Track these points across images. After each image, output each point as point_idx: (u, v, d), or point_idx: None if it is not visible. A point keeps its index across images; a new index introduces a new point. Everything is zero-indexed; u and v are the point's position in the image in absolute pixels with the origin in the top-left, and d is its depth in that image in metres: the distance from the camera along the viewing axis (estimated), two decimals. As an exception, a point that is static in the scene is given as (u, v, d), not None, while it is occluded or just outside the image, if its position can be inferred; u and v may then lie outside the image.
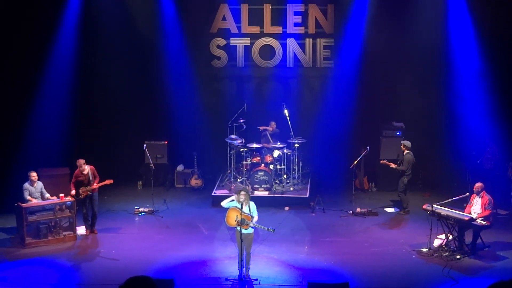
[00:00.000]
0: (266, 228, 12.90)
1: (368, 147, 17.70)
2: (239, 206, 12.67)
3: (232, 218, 12.84)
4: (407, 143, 17.31)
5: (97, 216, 15.97)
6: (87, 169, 15.64)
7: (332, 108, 19.61)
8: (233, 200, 12.95)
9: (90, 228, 15.87)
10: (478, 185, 14.60)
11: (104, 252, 14.76)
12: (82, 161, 15.60)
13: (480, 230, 14.33)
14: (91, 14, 18.87)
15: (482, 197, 14.44)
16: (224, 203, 13.09)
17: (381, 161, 17.86)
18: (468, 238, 14.49)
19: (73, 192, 15.51)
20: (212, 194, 18.19)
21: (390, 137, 19.02)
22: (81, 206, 15.71)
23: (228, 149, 18.70)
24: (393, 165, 17.32)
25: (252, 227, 12.83)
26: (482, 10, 18.02)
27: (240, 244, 12.75)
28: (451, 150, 18.71)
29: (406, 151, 17.18)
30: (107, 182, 15.84)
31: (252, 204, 12.96)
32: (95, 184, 15.66)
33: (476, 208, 14.50)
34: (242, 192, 12.78)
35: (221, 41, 19.89)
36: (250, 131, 18.98)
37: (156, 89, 19.88)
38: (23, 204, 14.96)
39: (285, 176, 18.56)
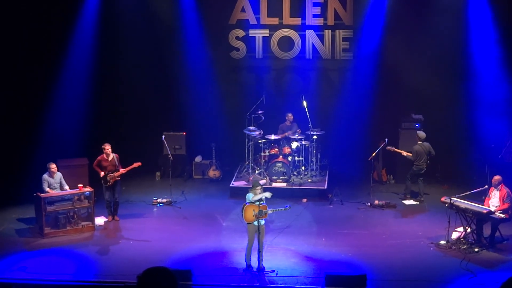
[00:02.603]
0: (282, 209, 13.25)
1: (386, 139, 17.55)
2: (257, 198, 12.83)
3: (250, 214, 12.92)
4: (421, 134, 17.33)
5: (119, 203, 16.15)
6: (112, 155, 15.75)
7: (350, 100, 19.50)
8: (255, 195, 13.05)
9: (112, 215, 16.01)
10: (496, 178, 14.50)
11: (122, 242, 14.88)
12: (108, 145, 15.73)
13: (498, 223, 14.25)
14: (111, 7, 18.91)
15: (500, 190, 14.34)
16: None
17: (387, 147, 17.71)
18: (487, 231, 14.41)
19: (102, 174, 15.63)
20: (230, 185, 18.20)
21: (408, 129, 18.91)
22: (103, 194, 15.86)
23: (246, 140, 18.70)
24: (403, 152, 17.34)
25: (270, 214, 13.21)
26: (503, 3, 17.89)
27: (257, 236, 12.80)
28: (470, 142, 18.58)
29: (419, 142, 17.18)
30: (135, 165, 15.89)
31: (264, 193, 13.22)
32: (122, 169, 15.77)
33: (494, 201, 14.40)
34: (258, 187, 12.99)
35: (240, 32, 19.86)
36: (269, 123, 18.95)
37: (175, 80, 19.95)
38: (42, 194, 15.04)
39: (303, 167, 18.54)
